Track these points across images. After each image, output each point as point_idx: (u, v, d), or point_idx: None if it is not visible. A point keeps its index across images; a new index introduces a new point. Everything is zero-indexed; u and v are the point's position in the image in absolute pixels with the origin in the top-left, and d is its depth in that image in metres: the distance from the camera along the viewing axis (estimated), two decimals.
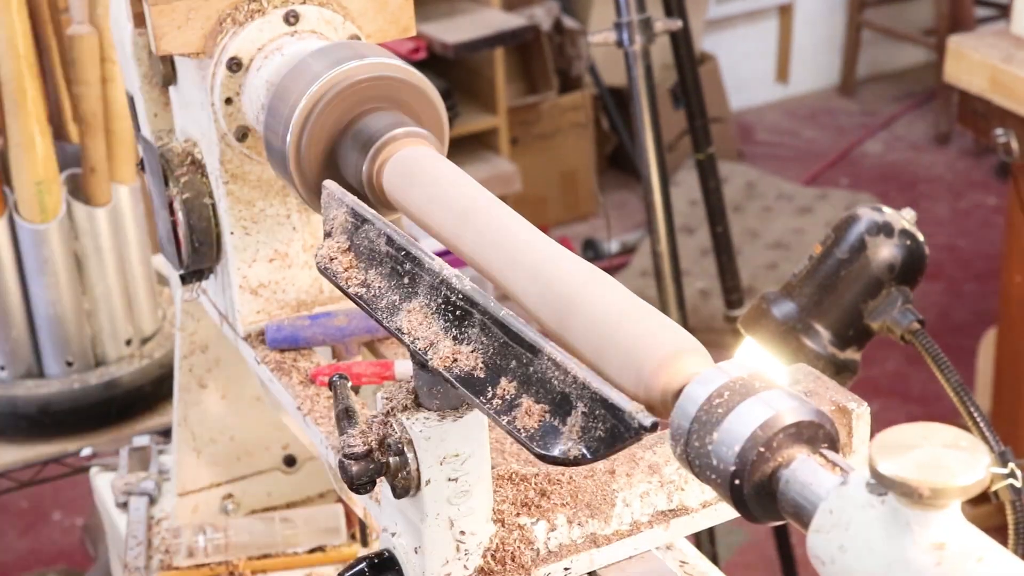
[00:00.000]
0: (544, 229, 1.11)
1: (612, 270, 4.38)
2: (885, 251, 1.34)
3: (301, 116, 1.12)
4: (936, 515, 0.64)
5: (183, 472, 1.58)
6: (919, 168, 5.30)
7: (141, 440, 1.80)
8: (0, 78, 1.90)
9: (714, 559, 2.42)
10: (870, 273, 1.35)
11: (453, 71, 4.58)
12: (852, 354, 1.38)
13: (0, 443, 2.02)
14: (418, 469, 0.91)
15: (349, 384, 1.03)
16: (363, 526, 1.60)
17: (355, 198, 1.00)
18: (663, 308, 2.38)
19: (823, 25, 5.91)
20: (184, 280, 1.37)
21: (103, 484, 1.78)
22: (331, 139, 1.13)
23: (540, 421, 0.80)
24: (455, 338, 0.87)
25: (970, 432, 1.14)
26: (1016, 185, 2.79)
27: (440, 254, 0.96)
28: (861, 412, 0.99)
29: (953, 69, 2.73)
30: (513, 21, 4.44)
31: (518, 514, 0.96)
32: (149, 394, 2.06)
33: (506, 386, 0.83)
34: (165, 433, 1.90)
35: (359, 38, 1.26)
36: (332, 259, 0.99)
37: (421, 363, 0.89)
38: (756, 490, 0.72)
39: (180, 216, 1.31)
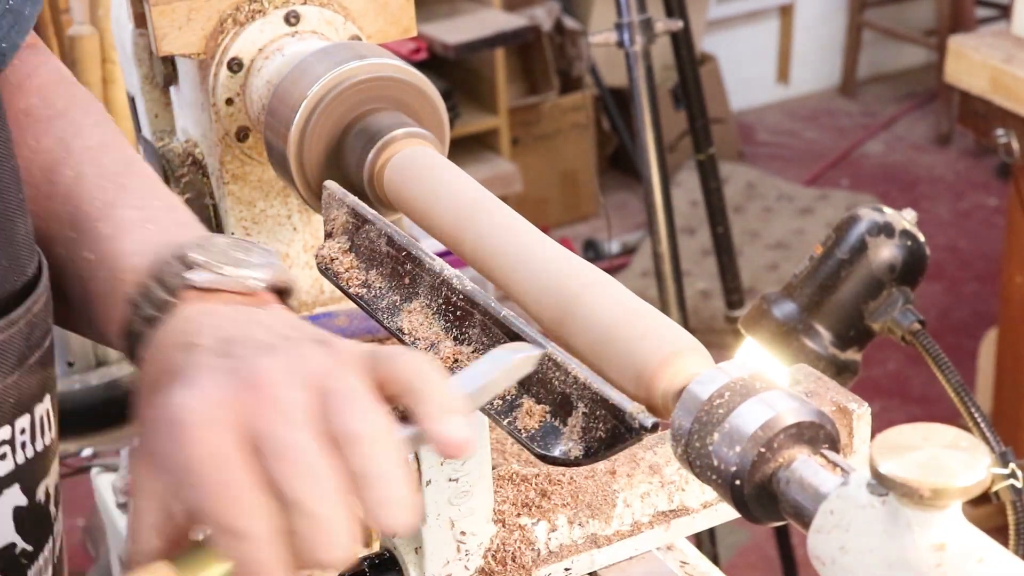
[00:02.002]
0: (545, 230, 1.11)
1: (613, 271, 4.38)
2: (886, 252, 1.35)
3: (302, 117, 1.12)
4: (937, 516, 0.64)
5: None
6: (920, 169, 5.30)
7: None
8: None
9: (715, 560, 2.42)
10: (871, 274, 1.35)
11: (454, 72, 4.58)
12: (853, 355, 1.38)
13: None
14: (419, 469, 0.91)
15: None
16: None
17: (356, 198, 1.00)
18: (664, 309, 2.38)
19: (824, 26, 5.91)
20: None
21: (104, 484, 1.77)
22: (332, 140, 1.13)
23: (541, 421, 0.80)
24: (456, 338, 0.87)
25: (971, 433, 1.14)
26: (1017, 186, 2.79)
27: (441, 254, 0.96)
28: (862, 413, 0.99)
29: (954, 70, 2.73)
30: (514, 21, 4.44)
31: (519, 514, 0.96)
32: None
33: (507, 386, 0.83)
34: None
35: (360, 39, 1.26)
36: (333, 259, 0.99)
37: None
38: (757, 490, 0.72)
39: None
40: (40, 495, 0.85)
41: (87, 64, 1.94)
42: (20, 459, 0.82)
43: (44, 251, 0.90)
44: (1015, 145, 2.58)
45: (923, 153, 5.43)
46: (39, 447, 0.84)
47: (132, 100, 1.42)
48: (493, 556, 0.94)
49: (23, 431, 0.82)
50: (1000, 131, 2.59)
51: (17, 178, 0.82)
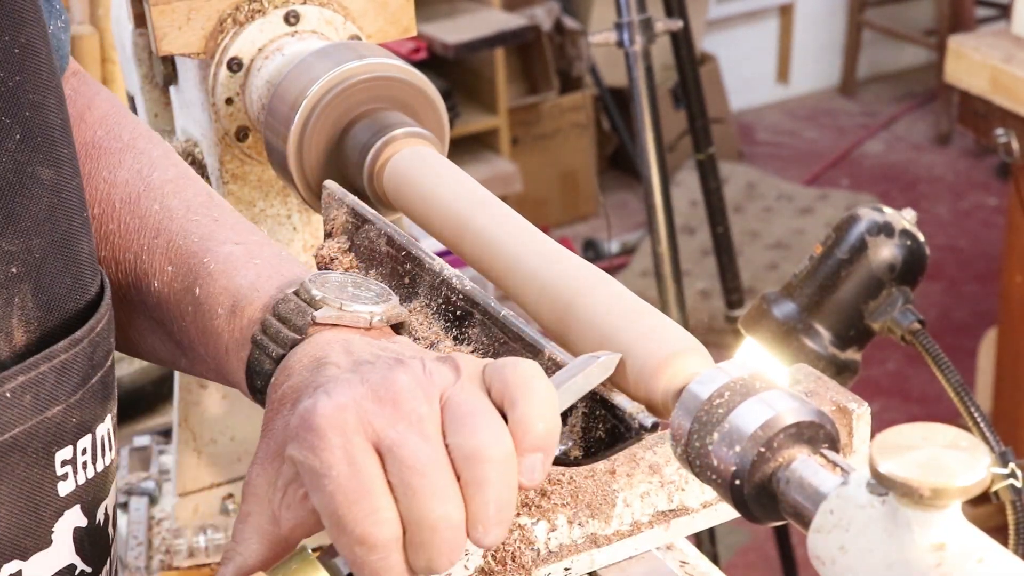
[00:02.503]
0: (545, 229, 1.11)
1: (612, 270, 4.38)
2: (886, 251, 1.35)
3: (302, 116, 1.12)
4: (937, 515, 0.64)
5: (183, 472, 1.58)
6: (920, 168, 5.30)
7: (142, 440, 1.80)
8: None
9: (715, 559, 2.42)
10: (871, 273, 1.35)
11: (454, 71, 4.58)
12: (853, 354, 1.38)
13: None
14: None
15: None
16: None
17: (356, 198, 1.00)
18: (663, 308, 2.38)
19: (824, 25, 5.91)
20: None
21: None
22: (332, 139, 1.13)
23: None
24: (456, 338, 0.87)
25: (971, 432, 1.14)
26: (1017, 185, 2.79)
27: (440, 254, 0.96)
28: (862, 412, 0.99)
29: (953, 69, 2.73)
30: (514, 21, 4.44)
31: (518, 514, 0.96)
32: (150, 394, 2.06)
33: None
34: (166, 433, 1.90)
35: (360, 38, 1.26)
36: (332, 259, 0.99)
37: None
38: (756, 490, 0.72)
39: None
40: (100, 516, 0.85)
41: (87, 64, 1.94)
42: (81, 479, 0.82)
43: (136, 284, 0.92)
44: (1015, 145, 2.58)
45: (923, 153, 5.43)
46: (99, 467, 0.84)
47: (132, 100, 1.42)
48: (493, 556, 0.94)
49: (84, 451, 0.82)
50: (1000, 131, 2.59)
51: (81, 197, 0.83)
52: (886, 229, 1.35)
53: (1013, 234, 2.92)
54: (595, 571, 0.98)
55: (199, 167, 1.32)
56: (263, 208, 1.31)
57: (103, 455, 0.84)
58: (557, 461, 0.79)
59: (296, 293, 0.83)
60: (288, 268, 0.88)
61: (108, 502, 0.86)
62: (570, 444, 0.79)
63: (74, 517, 0.82)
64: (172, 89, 1.36)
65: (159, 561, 1.58)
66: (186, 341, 0.90)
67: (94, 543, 0.84)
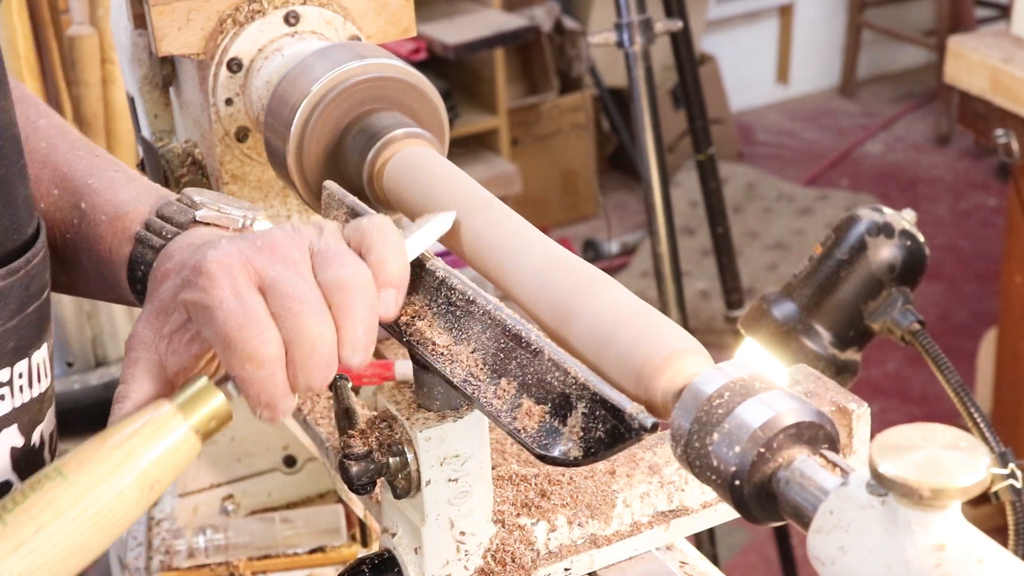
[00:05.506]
0: (544, 230, 1.11)
1: (612, 271, 4.38)
2: (885, 252, 1.35)
3: (302, 117, 1.12)
4: (936, 516, 0.64)
5: (183, 473, 1.57)
6: (919, 169, 5.30)
7: None
8: None
9: (714, 560, 2.42)
10: (870, 274, 1.35)
11: (453, 72, 4.58)
12: (852, 355, 1.38)
13: None
14: (418, 470, 0.91)
15: (349, 384, 1.03)
16: (363, 527, 1.60)
17: (355, 199, 1.00)
18: (663, 309, 2.38)
19: (823, 26, 5.91)
20: None
21: None
22: (332, 140, 1.13)
23: (540, 422, 0.80)
24: (455, 339, 0.87)
25: (970, 433, 1.14)
26: (1016, 186, 2.79)
27: (440, 254, 0.96)
28: (861, 413, 0.99)
29: (953, 70, 2.73)
30: (513, 22, 4.44)
31: (518, 515, 0.96)
32: None
33: (506, 387, 0.83)
34: None
35: (359, 39, 1.26)
36: None
37: (421, 364, 0.89)
38: (756, 491, 0.72)
39: None
40: (35, 439, 0.93)
41: (87, 64, 1.94)
42: (18, 402, 0.90)
43: None
44: (1015, 145, 2.58)
45: (923, 153, 5.43)
46: (35, 392, 0.92)
47: (132, 101, 1.42)
48: (493, 556, 0.94)
49: (21, 375, 0.90)
50: (1000, 131, 2.59)
51: (19, 147, 0.91)
52: (886, 230, 1.35)
53: (1013, 234, 2.92)
54: (595, 571, 0.98)
55: (199, 167, 1.32)
56: (263, 208, 1.31)
57: (39, 381, 0.92)
58: (557, 462, 0.79)
59: (179, 199, 0.96)
60: (164, 190, 1.01)
61: (44, 427, 0.94)
62: (570, 444, 0.79)
63: (11, 436, 0.90)
64: (172, 90, 1.36)
65: (159, 562, 1.58)
66: (70, 253, 1.01)
67: (30, 463, 0.92)
